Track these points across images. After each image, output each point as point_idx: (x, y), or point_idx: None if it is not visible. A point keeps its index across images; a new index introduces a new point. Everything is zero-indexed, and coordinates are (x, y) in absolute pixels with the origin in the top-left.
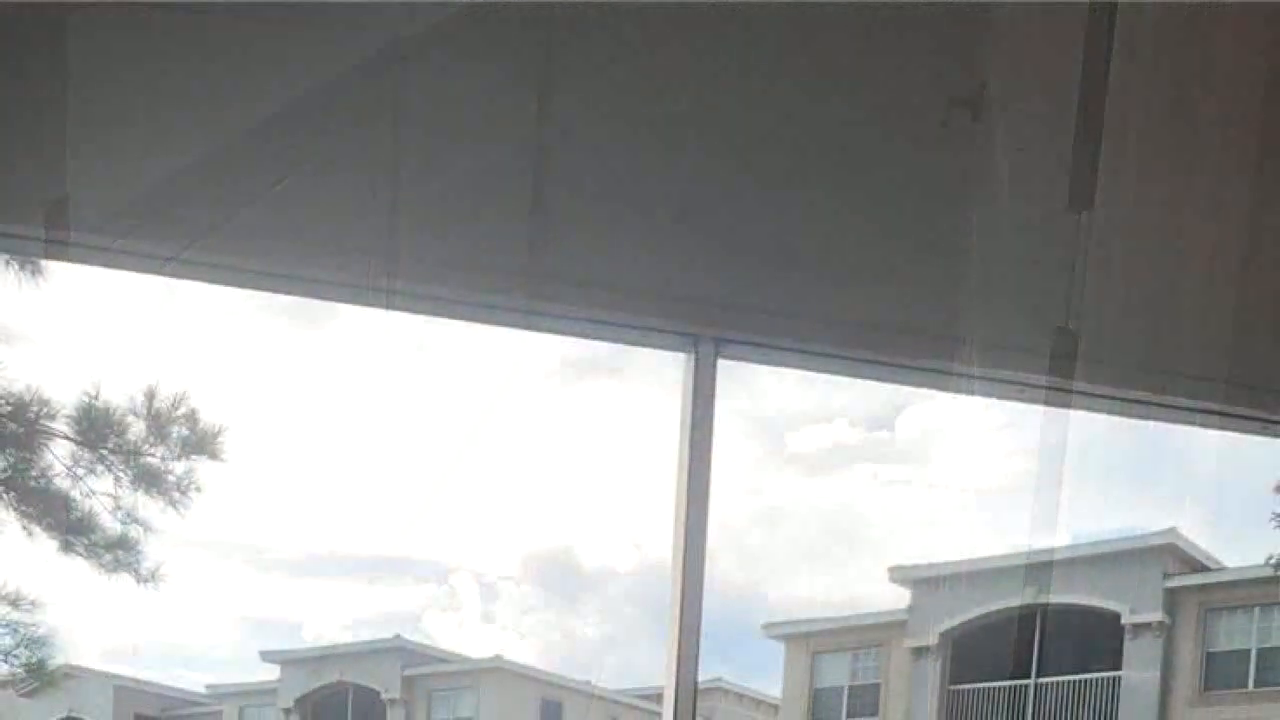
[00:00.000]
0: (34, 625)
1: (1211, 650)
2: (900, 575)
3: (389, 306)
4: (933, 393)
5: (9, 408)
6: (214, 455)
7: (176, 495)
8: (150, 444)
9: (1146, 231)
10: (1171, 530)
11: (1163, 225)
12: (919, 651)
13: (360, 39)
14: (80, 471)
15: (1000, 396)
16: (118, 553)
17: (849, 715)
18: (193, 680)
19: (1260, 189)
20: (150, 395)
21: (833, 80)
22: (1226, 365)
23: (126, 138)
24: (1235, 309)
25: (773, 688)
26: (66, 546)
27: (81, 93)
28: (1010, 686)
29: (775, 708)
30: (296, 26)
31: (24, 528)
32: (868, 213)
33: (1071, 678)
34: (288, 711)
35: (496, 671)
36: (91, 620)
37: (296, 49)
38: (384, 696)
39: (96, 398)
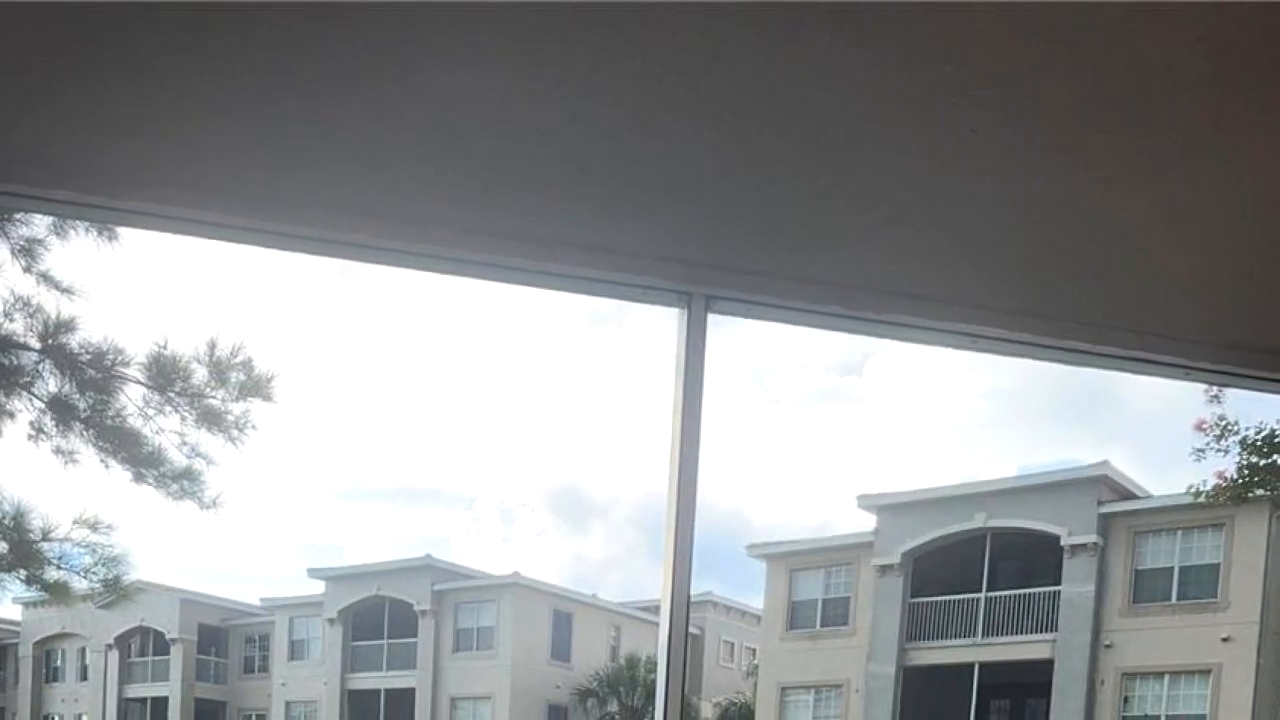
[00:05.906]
0: (110, 546)
1: (1139, 568)
2: (867, 502)
3: (420, 268)
4: (897, 343)
5: (89, 356)
6: (267, 397)
7: (235, 433)
8: (212, 388)
9: (1083, 202)
10: (1105, 463)
11: (1100, 197)
12: (884, 569)
13: (380, 31)
14: (150, 412)
15: (956, 347)
16: (183, 483)
17: (823, 624)
18: (249, 594)
19: (1181, 172)
20: (212, 345)
21: (812, 70)
22: (1152, 318)
23: (188, 115)
24: (1158, 271)
25: (756, 601)
26: (138, 477)
27: (146, 74)
28: (964, 599)
29: (758, 618)
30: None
31: (101, 460)
32: (841, 186)
33: (1017, 591)
34: (331, 621)
35: (514, 586)
36: (160, 542)
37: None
38: (416, 608)
39: (165, 347)
